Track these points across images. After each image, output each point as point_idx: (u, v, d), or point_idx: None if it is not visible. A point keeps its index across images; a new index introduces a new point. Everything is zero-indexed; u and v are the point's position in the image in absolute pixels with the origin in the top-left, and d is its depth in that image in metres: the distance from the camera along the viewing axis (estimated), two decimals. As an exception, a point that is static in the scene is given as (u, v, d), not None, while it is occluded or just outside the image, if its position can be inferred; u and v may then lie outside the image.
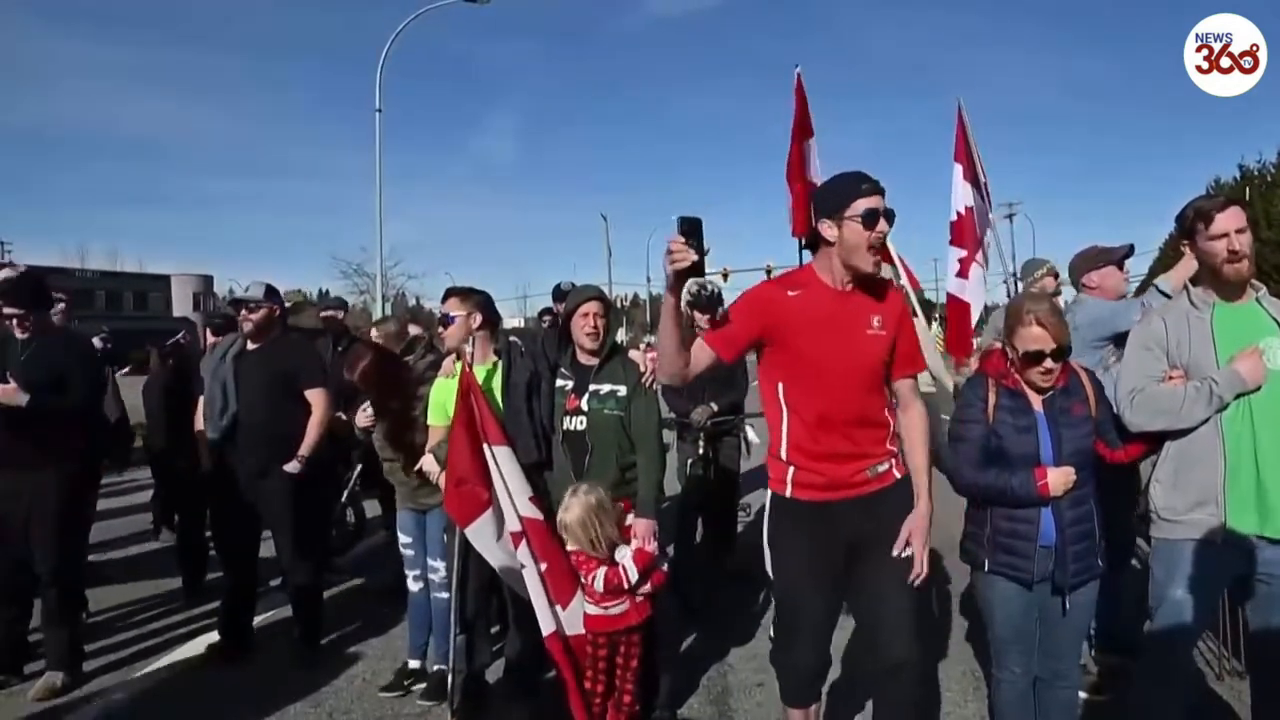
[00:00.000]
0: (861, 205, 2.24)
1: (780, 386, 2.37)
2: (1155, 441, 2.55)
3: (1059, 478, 2.42)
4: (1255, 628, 2.55)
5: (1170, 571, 2.50)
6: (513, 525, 3.00)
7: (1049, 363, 2.47)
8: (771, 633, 2.54)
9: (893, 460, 2.43)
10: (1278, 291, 2.68)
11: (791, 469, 2.38)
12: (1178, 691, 2.56)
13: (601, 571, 2.86)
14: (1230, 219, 2.43)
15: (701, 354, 2.29)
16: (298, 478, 3.89)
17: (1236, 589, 2.59)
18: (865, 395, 2.37)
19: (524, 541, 2.98)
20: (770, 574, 2.48)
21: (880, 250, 2.30)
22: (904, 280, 4.20)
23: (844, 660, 3.31)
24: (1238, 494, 2.40)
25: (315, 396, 3.99)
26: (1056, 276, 4.72)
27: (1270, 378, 2.39)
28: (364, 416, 3.79)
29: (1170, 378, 2.51)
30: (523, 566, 2.97)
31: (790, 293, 2.34)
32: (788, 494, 2.39)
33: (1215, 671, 3.50)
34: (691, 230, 2.02)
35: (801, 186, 5.30)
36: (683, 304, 2.18)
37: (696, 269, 2.02)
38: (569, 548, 2.95)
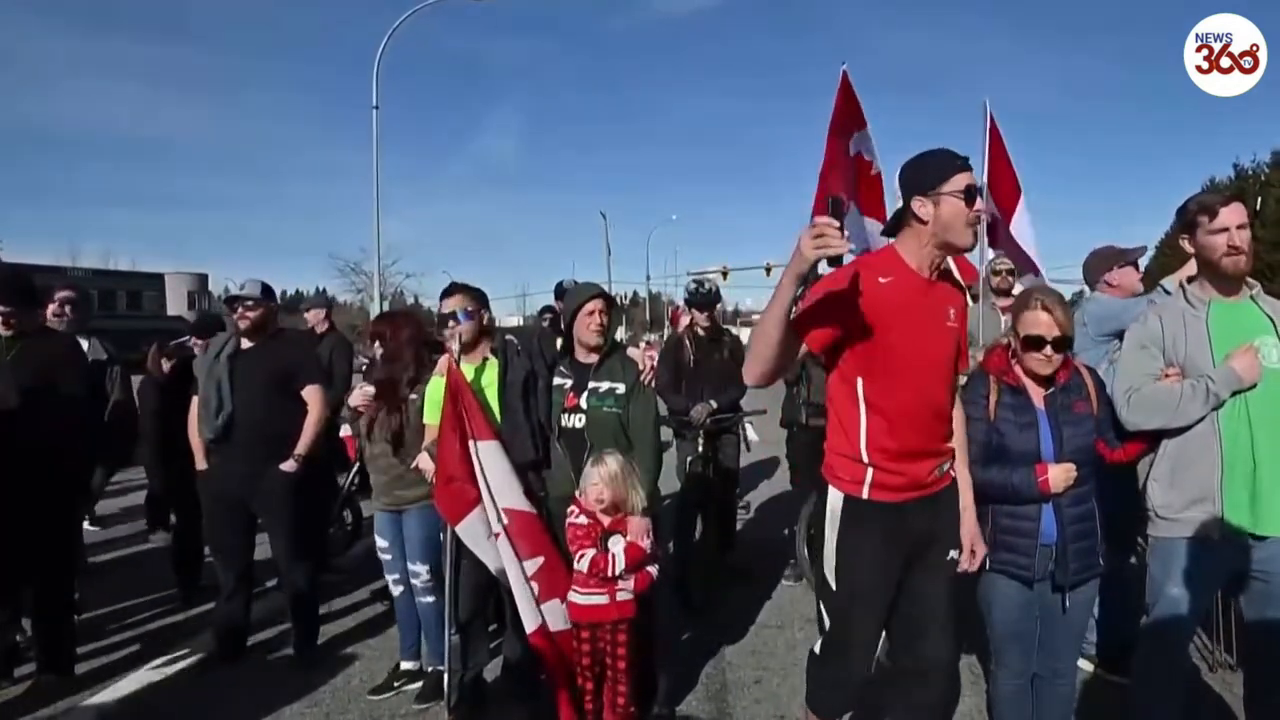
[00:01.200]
0: (961, 181, 2.16)
1: (860, 382, 2.22)
2: (1153, 440, 2.56)
3: (1060, 474, 2.43)
4: (1249, 622, 2.57)
5: (1167, 569, 2.52)
6: (494, 525, 3.00)
7: (1049, 350, 2.47)
8: (817, 647, 2.44)
9: (952, 459, 2.39)
10: (1272, 291, 2.70)
11: (871, 470, 2.25)
12: (1176, 688, 2.58)
13: (590, 553, 2.82)
14: (1233, 214, 2.47)
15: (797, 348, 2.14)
16: (294, 477, 3.87)
17: (1231, 585, 2.61)
18: (944, 390, 2.31)
19: (505, 538, 2.97)
20: (830, 577, 2.34)
21: (975, 227, 2.21)
22: (957, 275, 4.24)
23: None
24: (1234, 491, 2.42)
25: (311, 395, 3.95)
26: (1011, 274, 4.81)
27: (1266, 375, 2.41)
28: (359, 394, 3.68)
29: (1167, 375, 2.52)
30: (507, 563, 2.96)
31: (881, 279, 2.18)
32: (864, 495, 2.26)
33: (1208, 664, 3.55)
34: (838, 213, 1.82)
35: (823, 184, 5.30)
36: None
37: (839, 258, 1.85)
38: (575, 510, 2.89)
